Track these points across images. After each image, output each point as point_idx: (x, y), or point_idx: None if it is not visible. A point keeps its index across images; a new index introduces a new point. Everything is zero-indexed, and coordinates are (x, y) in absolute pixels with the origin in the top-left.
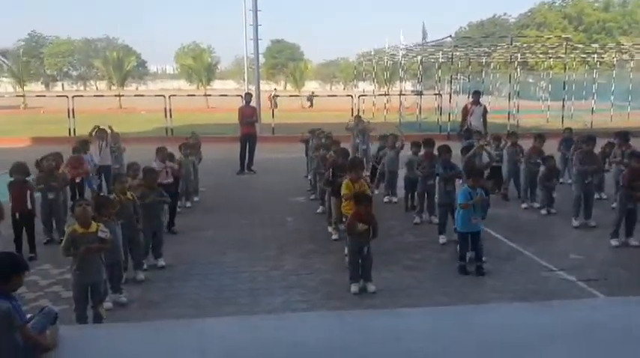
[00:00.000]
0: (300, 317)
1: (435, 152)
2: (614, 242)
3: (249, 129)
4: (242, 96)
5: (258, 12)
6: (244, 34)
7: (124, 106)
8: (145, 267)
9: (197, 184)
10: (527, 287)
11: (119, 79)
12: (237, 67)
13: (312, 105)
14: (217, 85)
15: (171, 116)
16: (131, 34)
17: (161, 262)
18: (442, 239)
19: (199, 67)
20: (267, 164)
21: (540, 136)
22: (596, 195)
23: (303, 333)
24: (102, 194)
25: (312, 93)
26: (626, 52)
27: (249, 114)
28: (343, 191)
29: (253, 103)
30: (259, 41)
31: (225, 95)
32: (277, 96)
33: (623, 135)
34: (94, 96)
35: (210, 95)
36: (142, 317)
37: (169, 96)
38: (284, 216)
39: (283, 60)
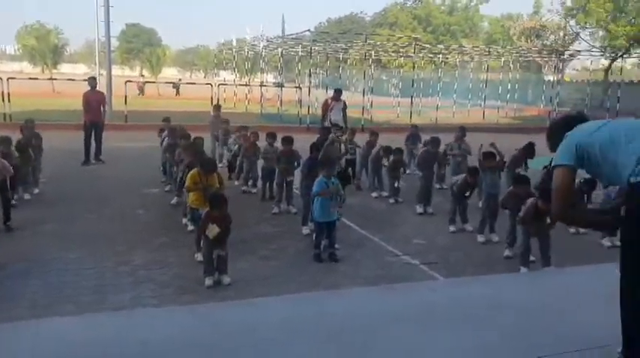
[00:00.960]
0: (148, 312)
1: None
2: (451, 228)
3: (93, 116)
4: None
5: None
6: (95, 16)
7: None
8: None
9: (38, 175)
10: (376, 272)
11: None
12: (89, 50)
13: (178, 93)
14: (67, 68)
15: (9, 100)
16: None
17: None
18: (305, 230)
19: (44, 48)
20: (117, 153)
21: (388, 149)
22: (438, 185)
23: (151, 329)
24: None
25: (180, 80)
26: (467, 54)
27: (94, 101)
28: (188, 182)
29: (104, 89)
30: (111, 23)
31: (73, 79)
32: (145, 82)
33: (461, 131)
34: None
35: (55, 79)
36: None
37: (7, 79)
38: (135, 208)
39: (139, 45)
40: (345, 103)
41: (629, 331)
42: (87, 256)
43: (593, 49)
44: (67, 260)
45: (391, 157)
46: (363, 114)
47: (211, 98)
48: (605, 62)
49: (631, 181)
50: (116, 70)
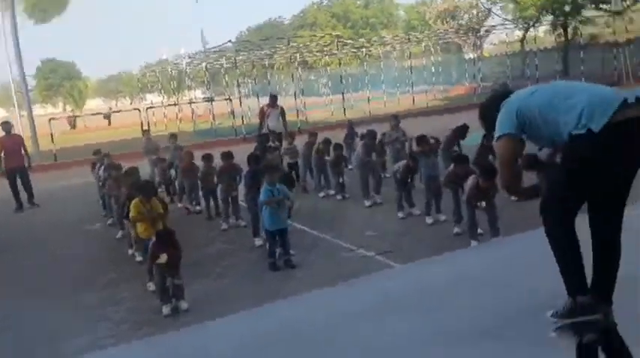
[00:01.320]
0: (105, 354)
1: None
2: (400, 214)
3: (14, 162)
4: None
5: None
6: (6, 56)
7: None
8: None
9: None
10: (334, 271)
11: None
12: (4, 92)
13: (110, 123)
14: None
15: None
16: None
17: None
18: (258, 241)
19: None
20: (51, 194)
21: (327, 141)
22: (382, 174)
23: None
24: None
25: (110, 109)
26: (388, 44)
27: (13, 144)
28: (132, 213)
29: (27, 130)
30: (24, 62)
31: None
32: (75, 116)
33: (394, 119)
34: None
35: None
36: None
37: None
38: (78, 247)
39: (58, 80)
40: (282, 109)
41: (567, 277)
42: (33, 305)
43: (506, 22)
44: (10, 312)
45: (331, 149)
46: (297, 116)
47: (141, 123)
48: (520, 33)
49: (572, 134)
50: (37, 109)
